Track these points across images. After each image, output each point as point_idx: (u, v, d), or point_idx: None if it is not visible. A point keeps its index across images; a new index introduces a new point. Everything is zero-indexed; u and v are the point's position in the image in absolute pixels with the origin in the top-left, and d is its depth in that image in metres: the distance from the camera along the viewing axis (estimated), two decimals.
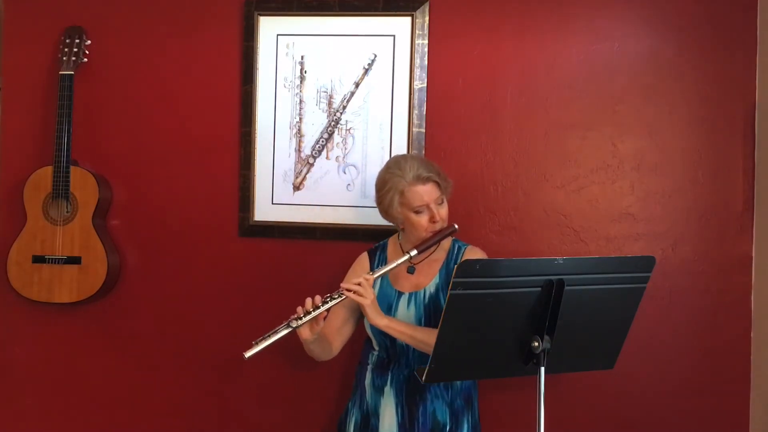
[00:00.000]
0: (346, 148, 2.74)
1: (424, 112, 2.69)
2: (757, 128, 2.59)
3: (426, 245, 2.21)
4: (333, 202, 2.74)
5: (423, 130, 2.68)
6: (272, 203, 2.77)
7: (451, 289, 1.71)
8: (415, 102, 2.69)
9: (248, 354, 2.08)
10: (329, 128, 2.75)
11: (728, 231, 2.61)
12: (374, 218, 2.63)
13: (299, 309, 2.12)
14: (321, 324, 2.14)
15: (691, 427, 2.62)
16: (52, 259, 2.69)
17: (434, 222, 2.20)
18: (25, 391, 2.87)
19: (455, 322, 1.76)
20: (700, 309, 2.62)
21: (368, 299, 2.12)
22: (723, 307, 2.61)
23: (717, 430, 2.61)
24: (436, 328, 2.10)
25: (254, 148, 2.76)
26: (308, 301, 2.13)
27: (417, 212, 2.20)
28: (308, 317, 2.10)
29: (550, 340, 1.78)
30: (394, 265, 2.19)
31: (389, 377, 2.25)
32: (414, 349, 2.22)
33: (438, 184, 2.22)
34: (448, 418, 2.22)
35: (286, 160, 2.76)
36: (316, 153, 2.75)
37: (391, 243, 2.39)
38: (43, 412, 2.86)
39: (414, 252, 2.18)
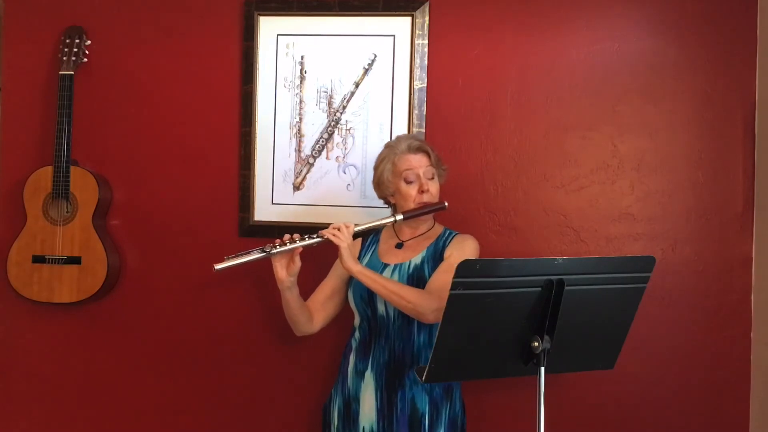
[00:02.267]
0: (346, 148, 2.74)
1: (424, 112, 2.69)
2: (757, 128, 2.59)
3: (413, 213, 2.28)
4: (333, 202, 2.74)
5: (423, 130, 2.68)
6: (272, 203, 2.77)
7: (451, 289, 1.71)
8: (415, 102, 2.69)
9: (218, 267, 2.20)
10: (329, 128, 2.75)
11: (728, 231, 2.61)
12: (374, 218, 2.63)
13: (277, 241, 2.22)
14: (297, 266, 2.23)
15: (691, 427, 2.62)
16: (52, 259, 2.69)
17: (422, 192, 2.27)
18: (25, 391, 2.87)
19: (455, 322, 1.75)
20: (700, 309, 2.62)
21: (344, 243, 2.19)
22: (723, 307, 2.61)
23: (717, 430, 2.61)
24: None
25: (254, 148, 2.76)
26: (286, 236, 2.24)
27: (407, 181, 2.28)
28: (283, 248, 2.20)
29: (550, 340, 1.78)
30: (377, 222, 2.28)
31: (370, 361, 2.27)
32: (394, 323, 2.25)
33: (429, 156, 2.30)
34: (427, 407, 2.23)
35: (286, 160, 2.76)
36: (316, 153, 2.75)
37: (386, 228, 2.44)
38: (43, 411, 2.86)
39: (400, 216, 2.26)
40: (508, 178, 2.69)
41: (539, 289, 1.76)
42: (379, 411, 2.24)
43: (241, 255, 2.21)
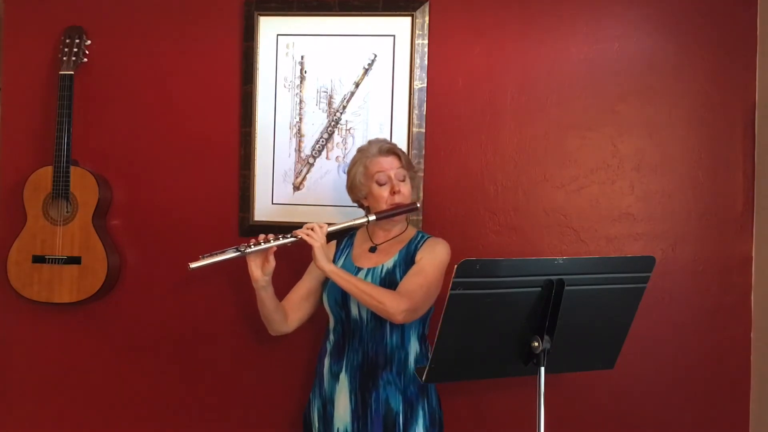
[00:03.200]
0: (346, 148, 2.74)
1: (424, 112, 2.69)
2: (757, 128, 2.59)
3: (385, 214, 2.30)
4: (333, 202, 2.74)
5: (423, 130, 2.68)
6: (272, 203, 2.77)
7: (451, 289, 1.71)
8: (415, 102, 2.69)
9: (193, 265, 2.21)
10: (329, 128, 2.75)
11: (728, 231, 2.61)
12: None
13: (251, 240, 2.25)
14: (272, 265, 2.25)
15: (691, 427, 2.62)
16: (52, 259, 2.69)
17: (394, 194, 2.30)
18: (25, 391, 2.87)
19: (455, 322, 1.75)
20: (700, 309, 2.62)
21: (317, 243, 2.21)
22: (723, 307, 2.61)
23: (717, 430, 2.61)
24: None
25: (254, 148, 2.76)
26: (261, 235, 2.26)
27: (378, 183, 2.31)
28: (257, 247, 2.22)
29: (550, 340, 1.78)
30: (351, 223, 2.30)
31: (344, 363, 2.28)
32: (367, 325, 2.27)
33: (399, 158, 2.34)
34: (401, 406, 2.24)
35: (286, 160, 2.76)
36: (316, 153, 2.75)
37: (360, 230, 2.46)
38: (42, 412, 2.86)
39: (372, 217, 2.29)
40: (508, 178, 2.69)
41: (539, 289, 1.76)
42: (354, 412, 2.26)
43: (216, 254, 2.22)
